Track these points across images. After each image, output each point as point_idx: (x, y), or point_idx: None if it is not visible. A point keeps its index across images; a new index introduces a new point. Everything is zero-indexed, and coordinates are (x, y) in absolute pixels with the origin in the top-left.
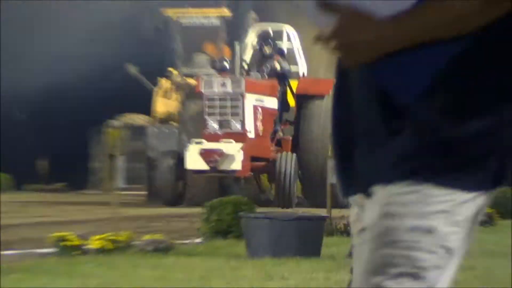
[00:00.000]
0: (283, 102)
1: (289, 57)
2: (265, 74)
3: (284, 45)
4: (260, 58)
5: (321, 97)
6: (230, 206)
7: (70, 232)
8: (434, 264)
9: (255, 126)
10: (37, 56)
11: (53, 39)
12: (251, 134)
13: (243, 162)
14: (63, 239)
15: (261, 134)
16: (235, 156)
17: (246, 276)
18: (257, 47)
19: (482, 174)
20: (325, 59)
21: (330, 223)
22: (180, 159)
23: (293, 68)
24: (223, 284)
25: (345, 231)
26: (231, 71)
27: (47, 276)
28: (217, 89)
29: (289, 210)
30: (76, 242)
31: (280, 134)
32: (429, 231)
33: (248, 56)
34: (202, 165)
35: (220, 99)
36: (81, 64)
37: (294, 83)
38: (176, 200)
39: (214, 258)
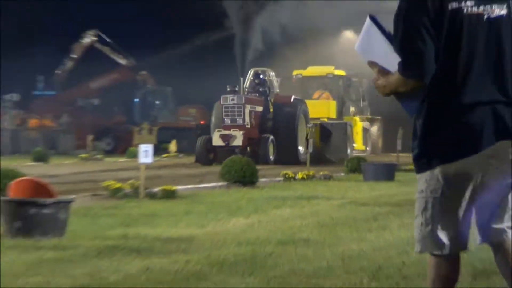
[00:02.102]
0: (266, 109)
1: (271, 85)
2: (257, 94)
3: (268, 78)
4: (254, 86)
5: (285, 105)
6: (356, 159)
7: (289, 171)
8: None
9: (251, 122)
10: None
11: None
12: (248, 126)
13: (243, 141)
14: (286, 174)
15: (254, 125)
16: (238, 137)
17: (363, 189)
18: (252, 79)
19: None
20: (288, 87)
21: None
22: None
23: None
24: (353, 192)
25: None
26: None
27: (278, 190)
28: (229, 101)
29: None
30: (292, 175)
31: (266, 125)
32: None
33: (247, 84)
34: (221, 143)
35: (231, 107)
36: None
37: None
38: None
39: (349, 182)
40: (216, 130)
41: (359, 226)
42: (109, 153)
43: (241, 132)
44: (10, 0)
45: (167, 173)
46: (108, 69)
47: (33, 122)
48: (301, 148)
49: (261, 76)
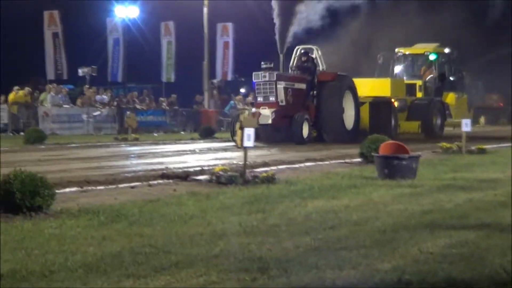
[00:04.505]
0: (312, 85)
1: (317, 62)
2: (299, 71)
3: (314, 55)
4: (301, 63)
5: (329, 81)
6: None
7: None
8: None
9: (286, 99)
10: None
11: None
12: (282, 103)
13: (274, 119)
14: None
15: (291, 103)
16: (267, 116)
17: None
18: (299, 57)
19: None
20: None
21: None
22: None
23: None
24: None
25: None
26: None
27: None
28: (260, 78)
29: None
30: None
31: (309, 103)
32: None
33: (294, 62)
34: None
35: (263, 84)
36: None
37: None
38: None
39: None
40: (245, 108)
41: None
42: None
43: (271, 110)
44: None
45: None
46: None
47: None
48: (347, 125)
49: (308, 54)
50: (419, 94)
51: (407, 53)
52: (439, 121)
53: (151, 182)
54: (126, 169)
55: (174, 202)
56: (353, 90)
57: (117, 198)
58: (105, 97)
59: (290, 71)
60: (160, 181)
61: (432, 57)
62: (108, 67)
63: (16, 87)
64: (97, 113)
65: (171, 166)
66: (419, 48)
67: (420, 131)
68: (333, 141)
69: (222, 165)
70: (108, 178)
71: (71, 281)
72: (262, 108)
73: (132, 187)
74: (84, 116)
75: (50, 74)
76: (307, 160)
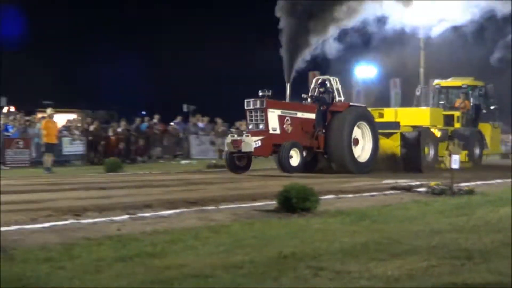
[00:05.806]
0: (323, 115)
1: (334, 93)
2: (312, 100)
3: (333, 86)
4: (318, 93)
5: (339, 112)
6: None
7: None
8: None
9: (282, 128)
10: None
11: None
12: (275, 132)
13: (258, 148)
14: None
15: (289, 132)
16: (249, 143)
17: None
18: (316, 87)
19: None
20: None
21: None
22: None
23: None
24: None
25: None
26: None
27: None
28: (251, 106)
29: None
30: None
31: (319, 133)
32: None
33: (310, 92)
34: (232, 149)
35: (254, 111)
36: None
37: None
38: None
39: None
40: (229, 134)
41: None
42: None
43: (256, 138)
44: None
45: None
46: None
47: None
48: (358, 156)
49: (326, 84)
50: (457, 125)
51: (445, 85)
52: (477, 151)
53: (385, 192)
54: (368, 183)
55: (402, 207)
56: (369, 120)
57: (362, 203)
58: None
59: (304, 100)
60: (392, 192)
61: (470, 89)
62: None
63: None
64: None
65: (399, 181)
66: (457, 81)
67: (468, 160)
68: (341, 171)
69: (435, 181)
70: (354, 189)
71: (332, 262)
72: (246, 135)
73: (372, 196)
74: None
75: None
76: (497, 177)
